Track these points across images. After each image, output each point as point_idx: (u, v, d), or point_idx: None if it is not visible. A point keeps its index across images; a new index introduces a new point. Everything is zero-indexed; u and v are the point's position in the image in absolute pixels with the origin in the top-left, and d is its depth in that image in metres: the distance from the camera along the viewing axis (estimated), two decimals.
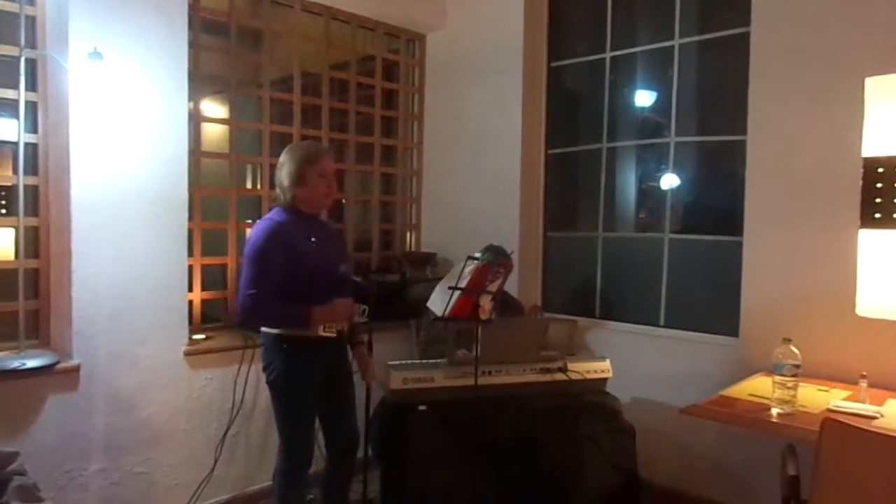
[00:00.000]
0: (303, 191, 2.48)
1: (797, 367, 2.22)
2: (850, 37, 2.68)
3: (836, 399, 2.37)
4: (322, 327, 2.47)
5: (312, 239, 2.48)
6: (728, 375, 2.74)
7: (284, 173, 2.50)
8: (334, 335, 2.51)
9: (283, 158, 2.53)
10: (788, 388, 2.22)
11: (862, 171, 2.54)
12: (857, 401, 2.32)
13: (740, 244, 3.03)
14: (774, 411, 2.23)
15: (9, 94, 2.60)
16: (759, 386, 2.54)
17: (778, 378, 2.23)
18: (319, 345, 2.48)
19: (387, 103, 4.19)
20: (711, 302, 3.27)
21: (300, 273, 2.42)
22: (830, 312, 2.71)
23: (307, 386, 2.50)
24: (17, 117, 2.55)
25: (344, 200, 4.00)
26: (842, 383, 2.57)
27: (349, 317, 2.54)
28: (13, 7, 2.60)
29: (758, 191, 2.96)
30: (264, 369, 2.53)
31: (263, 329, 2.52)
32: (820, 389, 2.51)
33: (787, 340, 2.26)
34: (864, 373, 2.37)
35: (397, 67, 4.25)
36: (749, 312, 2.99)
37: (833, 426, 1.83)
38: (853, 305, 2.59)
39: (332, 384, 2.58)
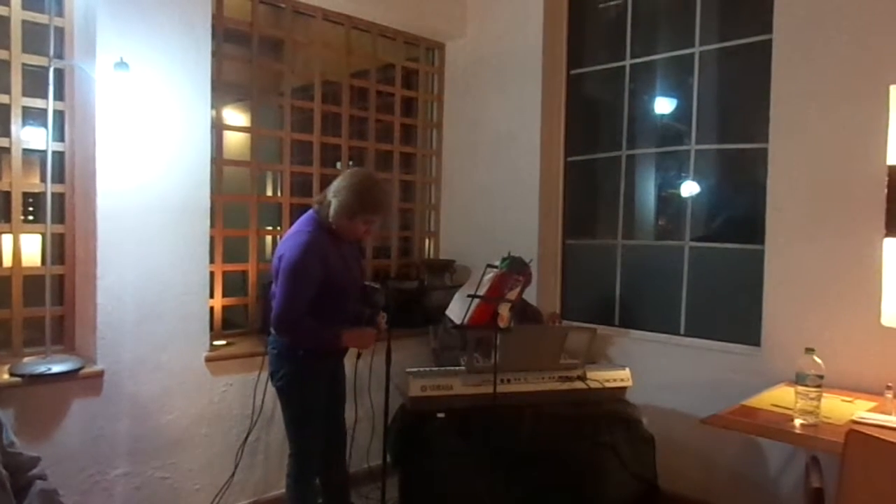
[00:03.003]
0: (345, 224, 2.46)
1: (821, 377, 2.19)
2: (875, 44, 2.65)
3: (860, 410, 2.34)
4: None
5: (342, 254, 2.52)
6: (750, 385, 2.71)
7: (340, 201, 2.42)
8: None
9: (349, 184, 2.44)
10: (812, 398, 2.19)
11: (887, 178, 2.51)
12: (882, 412, 2.29)
13: (762, 252, 3.00)
14: (797, 422, 2.20)
15: (38, 103, 2.67)
16: (781, 396, 2.51)
17: (801, 388, 2.21)
18: (330, 352, 2.54)
19: (406, 111, 4.22)
20: (733, 310, 3.24)
21: (332, 287, 2.45)
22: (855, 322, 2.68)
23: (316, 390, 2.54)
24: (46, 126, 2.61)
25: None
26: (867, 394, 2.54)
27: (372, 345, 2.58)
28: (43, 19, 2.67)
29: (780, 199, 2.93)
30: (272, 374, 2.56)
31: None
32: (844, 400, 2.48)
33: (811, 350, 2.23)
34: (890, 384, 2.34)
35: (417, 76, 4.27)
36: (771, 321, 2.96)
37: (858, 438, 1.80)
38: (878, 315, 2.56)
39: (331, 386, 2.64)
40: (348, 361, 2.74)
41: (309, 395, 2.53)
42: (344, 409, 2.76)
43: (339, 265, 2.49)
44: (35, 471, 1.86)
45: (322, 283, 2.42)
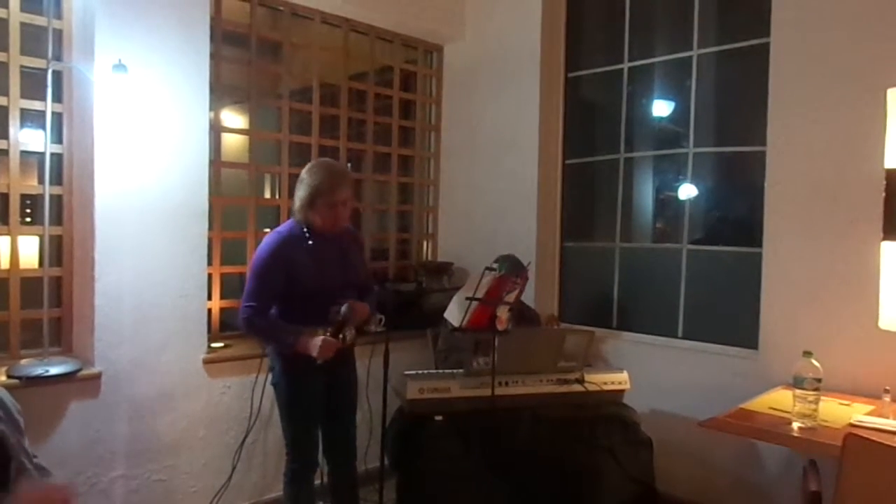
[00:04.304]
0: (312, 216, 2.51)
1: (818, 380, 2.19)
2: (872, 48, 2.65)
3: (858, 414, 2.34)
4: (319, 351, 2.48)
5: (317, 255, 2.52)
6: (748, 388, 2.71)
7: (299, 194, 2.52)
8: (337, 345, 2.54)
9: (303, 177, 2.54)
10: (809, 401, 2.19)
11: (885, 182, 2.51)
12: (879, 415, 2.29)
13: (760, 255, 3.01)
14: (795, 425, 2.20)
15: (36, 105, 2.66)
16: (779, 399, 2.51)
17: (799, 392, 2.21)
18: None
19: (404, 113, 4.22)
20: (731, 313, 3.24)
21: (300, 287, 2.48)
22: (852, 325, 2.68)
23: (307, 388, 2.56)
24: (44, 128, 2.61)
25: (361, 210, 4.03)
26: (864, 398, 2.54)
27: (330, 355, 2.46)
28: (41, 21, 2.67)
29: (778, 202, 2.94)
30: (270, 370, 2.62)
31: None
32: (842, 404, 2.48)
33: (808, 353, 2.24)
34: (888, 387, 2.34)
35: (415, 78, 4.27)
36: (769, 324, 2.96)
37: (855, 441, 1.81)
38: (876, 318, 2.56)
39: (332, 391, 2.64)
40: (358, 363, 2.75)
41: (297, 392, 2.55)
42: (352, 413, 2.73)
43: (310, 265, 2.50)
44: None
45: (288, 282, 2.46)
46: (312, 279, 2.50)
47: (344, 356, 2.66)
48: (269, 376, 2.64)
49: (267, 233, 3.58)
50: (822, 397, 2.25)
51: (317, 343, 2.42)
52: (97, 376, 2.69)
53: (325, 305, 2.51)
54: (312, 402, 2.59)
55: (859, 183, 2.66)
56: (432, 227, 4.38)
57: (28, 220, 2.76)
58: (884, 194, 2.52)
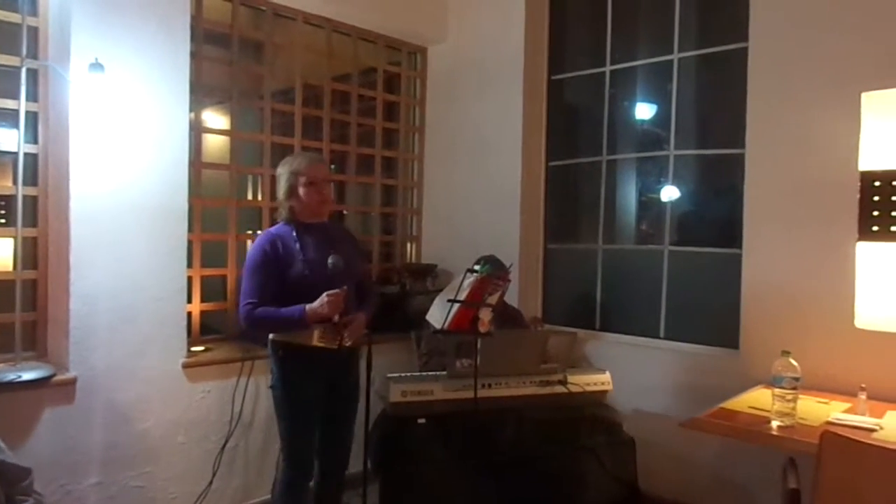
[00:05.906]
0: (296, 202, 2.56)
1: (796, 379, 2.21)
2: (847, 53, 2.70)
3: (835, 411, 2.36)
4: (317, 337, 2.46)
5: (308, 247, 2.52)
6: (728, 388, 2.73)
7: (280, 186, 2.58)
8: (334, 346, 2.50)
9: (279, 171, 2.62)
10: (788, 400, 2.21)
11: (859, 184, 2.55)
12: (856, 413, 2.32)
13: (739, 256, 3.03)
14: (774, 424, 2.22)
15: (9, 104, 2.61)
16: (759, 398, 2.53)
17: (777, 391, 2.23)
18: (316, 354, 2.48)
19: (388, 115, 4.21)
20: (711, 314, 3.26)
21: (296, 283, 2.46)
22: (830, 324, 2.71)
23: (304, 393, 2.52)
24: (18, 127, 2.56)
25: (345, 211, 4.01)
26: (841, 395, 2.57)
27: (341, 306, 2.43)
28: (16, 18, 2.62)
29: (756, 203, 2.97)
30: (271, 373, 2.59)
31: (270, 336, 2.57)
32: (819, 402, 2.51)
33: (787, 353, 2.26)
34: (864, 385, 2.37)
35: (399, 80, 4.26)
36: (749, 324, 2.99)
37: (832, 439, 1.82)
38: (852, 317, 2.59)
39: (333, 397, 2.59)
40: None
41: (294, 396, 2.51)
42: (350, 422, 2.68)
43: (302, 258, 2.49)
44: (24, 483, 1.82)
45: (285, 278, 2.45)
46: (306, 271, 2.48)
47: (347, 362, 2.62)
48: (269, 378, 2.60)
49: (250, 234, 3.58)
50: (801, 396, 2.26)
51: (323, 300, 2.37)
52: (72, 382, 2.64)
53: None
54: (312, 409, 2.54)
55: (835, 185, 2.69)
56: (416, 229, 4.37)
57: (1, 221, 2.71)
58: (858, 196, 2.56)
